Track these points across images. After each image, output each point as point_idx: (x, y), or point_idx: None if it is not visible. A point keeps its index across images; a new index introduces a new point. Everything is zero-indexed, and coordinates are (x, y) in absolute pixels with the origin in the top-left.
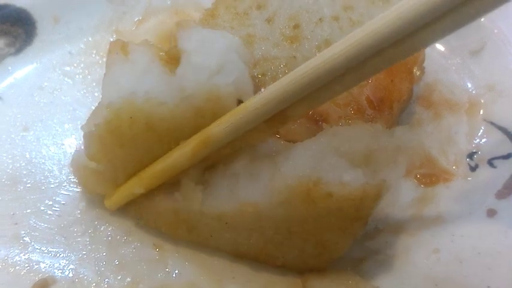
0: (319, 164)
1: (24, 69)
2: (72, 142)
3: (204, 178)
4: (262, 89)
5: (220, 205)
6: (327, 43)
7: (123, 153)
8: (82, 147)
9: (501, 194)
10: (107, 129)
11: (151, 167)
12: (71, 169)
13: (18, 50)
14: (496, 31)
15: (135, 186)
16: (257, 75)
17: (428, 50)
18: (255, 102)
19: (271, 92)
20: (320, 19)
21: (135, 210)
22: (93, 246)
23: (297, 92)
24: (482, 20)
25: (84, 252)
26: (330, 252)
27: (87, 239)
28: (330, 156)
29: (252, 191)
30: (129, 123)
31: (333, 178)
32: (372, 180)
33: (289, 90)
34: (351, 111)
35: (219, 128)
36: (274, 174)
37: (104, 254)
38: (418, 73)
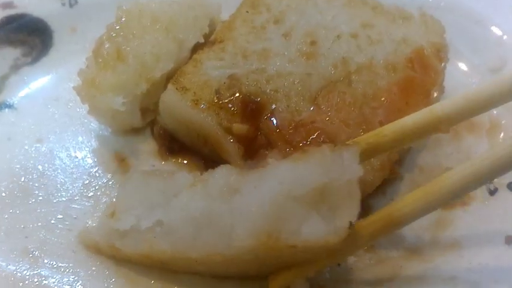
0: (275, 216)
1: (40, 79)
2: (85, 155)
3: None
4: (273, 105)
5: (187, 251)
6: (344, 61)
7: None
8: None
9: None
10: None
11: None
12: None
13: (35, 60)
14: None
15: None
16: (269, 91)
17: (449, 68)
18: None
19: None
20: (338, 36)
21: (110, 252)
22: (102, 263)
23: None
24: (504, 37)
25: (93, 268)
26: None
27: (97, 256)
28: (284, 205)
29: (215, 242)
30: None
31: (292, 232)
32: (332, 223)
33: None
34: (361, 132)
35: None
36: (231, 234)
37: (113, 270)
38: (435, 94)
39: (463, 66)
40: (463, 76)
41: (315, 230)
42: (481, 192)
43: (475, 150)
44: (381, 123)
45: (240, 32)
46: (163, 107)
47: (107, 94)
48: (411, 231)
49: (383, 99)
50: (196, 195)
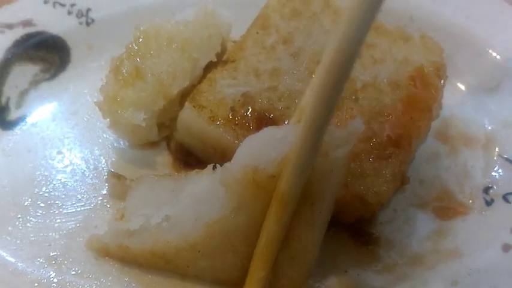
0: (254, 154)
1: (58, 94)
2: (104, 167)
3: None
4: (286, 121)
5: (189, 236)
6: (350, 79)
7: None
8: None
9: None
10: None
11: (256, 253)
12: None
13: (53, 76)
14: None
15: (256, 273)
16: (282, 108)
17: (446, 86)
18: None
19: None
20: None
21: (119, 253)
22: (124, 269)
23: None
24: (498, 57)
25: (115, 275)
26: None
27: (117, 263)
28: (263, 145)
29: (210, 209)
30: None
31: (267, 160)
32: None
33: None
34: (371, 146)
35: (285, 183)
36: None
37: (134, 276)
38: (435, 111)
39: (459, 84)
40: (458, 94)
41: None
42: (479, 202)
43: (471, 164)
44: (389, 137)
45: (251, 52)
46: (181, 123)
47: (128, 110)
48: (414, 241)
49: (389, 114)
50: (202, 180)
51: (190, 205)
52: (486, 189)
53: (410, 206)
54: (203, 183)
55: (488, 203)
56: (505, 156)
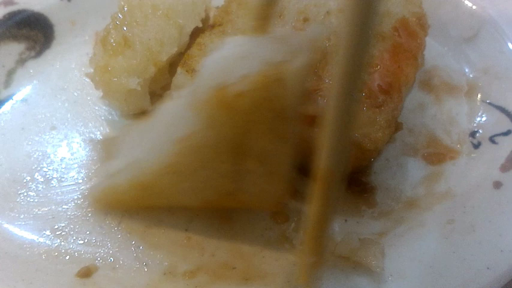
0: (219, 72)
1: (45, 71)
2: (99, 138)
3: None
4: None
5: (163, 156)
6: (336, 34)
7: None
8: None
9: (505, 167)
10: None
11: (305, 237)
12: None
13: (38, 54)
14: (487, 18)
15: (307, 259)
16: None
17: (426, 38)
18: None
19: None
20: (327, 12)
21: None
22: (129, 235)
23: None
24: (474, 8)
25: (121, 241)
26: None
27: (122, 228)
28: (227, 63)
29: (181, 129)
30: None
31: (234, 77)
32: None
33: None
34: (363, 96)
35: (325, 160)
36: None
37: (140, 241)
38: (421, 59)
39: (438, 35)
40: (438, 45)
41: (252, 67)
42: (467, 146)
43: (456, 111)
44: (379, 87)
45: (236, 14)
46: (175, 89)
47: (122, 77)
48: (408, 187)
49: (377, 65)
50: (170, 107)
51: (162, 129)
52: (472, 134)
53: (402, 155)
54: (172, 109)
55: (476, 146)
56: (488, 101)
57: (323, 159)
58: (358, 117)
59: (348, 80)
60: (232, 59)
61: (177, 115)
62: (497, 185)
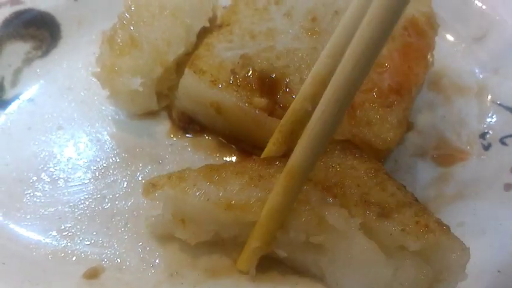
0: None
1: (52, 71)
2: (105, 139)
3: None
4: (287, 79)
5: None
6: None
7: None
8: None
9: None
10: None
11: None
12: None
13: (45, 53)
14: (497, 18)
15: (252, 242)
16: (281, 66)
17: (436, 38)
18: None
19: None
20: (336, 11)
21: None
22: (135, 236)
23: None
24: (484, 7)
25: (128, 242)
26: None
27: (129, 229)
28: None
29: None
30: None
31: None
32: None
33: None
34: (374, 95)
35: (296, 156)
36: None
37: (146, 242)
38: (431, 59)
39: (448, 35)
40: (448, 45)
41: None
42: (477, 148)
43: (466, 111)
44: (390, 86)
45: (244, 14)
46: (182, 90)
47: (126, 76)
48: (418, 188)
49: (386, 64)
50: None
51: None
52: (482, 135)
53: (411, 156)
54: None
55: (486, 148)
56: (498, 102)
57: (297, 157)
58: (369, 115)
59: (342, 94)
60: None
61: None
62: (508, 187)
